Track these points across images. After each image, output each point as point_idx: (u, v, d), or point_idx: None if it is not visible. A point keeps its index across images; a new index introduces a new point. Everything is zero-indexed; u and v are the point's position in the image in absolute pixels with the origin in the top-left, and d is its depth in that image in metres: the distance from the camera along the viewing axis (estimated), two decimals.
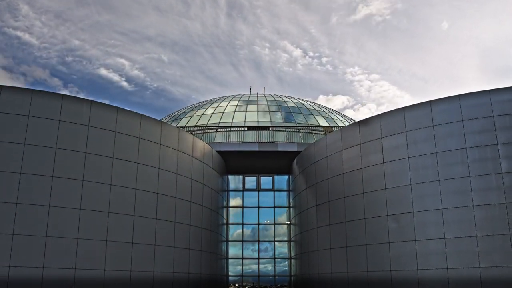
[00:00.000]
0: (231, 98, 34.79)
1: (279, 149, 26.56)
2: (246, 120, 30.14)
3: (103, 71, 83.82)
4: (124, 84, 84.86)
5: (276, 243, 29.93)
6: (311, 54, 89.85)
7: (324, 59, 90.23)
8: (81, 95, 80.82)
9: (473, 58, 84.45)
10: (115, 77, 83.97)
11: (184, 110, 34.88)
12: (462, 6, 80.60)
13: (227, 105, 32.51)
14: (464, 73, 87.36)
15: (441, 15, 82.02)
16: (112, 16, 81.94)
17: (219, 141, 27.47)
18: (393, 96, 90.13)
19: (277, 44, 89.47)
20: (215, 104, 33.17)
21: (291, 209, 28.29)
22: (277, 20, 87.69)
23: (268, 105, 32.54)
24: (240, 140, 27.69)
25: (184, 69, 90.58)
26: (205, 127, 29.37)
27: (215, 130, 28.76)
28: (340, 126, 29.26)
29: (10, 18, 75.32)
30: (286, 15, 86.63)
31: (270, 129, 28.65)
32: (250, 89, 39.10)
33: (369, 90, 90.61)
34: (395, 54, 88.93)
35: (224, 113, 31.16)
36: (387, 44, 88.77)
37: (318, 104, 35.77)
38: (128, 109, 19.15)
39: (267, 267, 29.84)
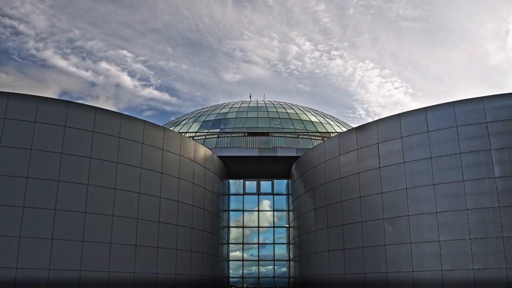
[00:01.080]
0: (231, 104, 35.55)
1: (279, 154, 27.04)
2: (246, 126, 30.69)
3: (104, 64, 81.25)
4: (126, 78, 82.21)
5: (275, 245, 30.38)
6: (321, 47, 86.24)
7: (334, 52, 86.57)
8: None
9: (490, 58, 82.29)
10: (116, 70, 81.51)
11: (186, 116, 35.61)
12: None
13: (228, 112, 33.17)
14: (478, 74, 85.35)
15: (462, 10, 79.15)
16: (114, 5, 79.47)
17: (220, 147, 27.97)
18: (404, 95, 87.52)
19: (287, 36, 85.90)
20: (216, 111, 33.86)
21: (290, 212, 28.70)
22: (287, 10, 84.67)
23: (267, 111, 33.13)
24: (241, 146, 28.19)
25: (189, 62, 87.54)
26: (207, 132, 29.89)
27: (216, 135, 29.27)
28: (337, 132, 29.77)
29: (5, 6, 71.93)
30: (297, 3, 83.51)
31: (270, 134, 29.15)
32: (250, 96, 39.98)
33: (379, 87, 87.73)
34: (410, 49, 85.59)
35: (225, 119, 31.78)
36: (403, 38, 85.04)
37: (317, 111, 36.37)
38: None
39: (267, 269, 30.27)
